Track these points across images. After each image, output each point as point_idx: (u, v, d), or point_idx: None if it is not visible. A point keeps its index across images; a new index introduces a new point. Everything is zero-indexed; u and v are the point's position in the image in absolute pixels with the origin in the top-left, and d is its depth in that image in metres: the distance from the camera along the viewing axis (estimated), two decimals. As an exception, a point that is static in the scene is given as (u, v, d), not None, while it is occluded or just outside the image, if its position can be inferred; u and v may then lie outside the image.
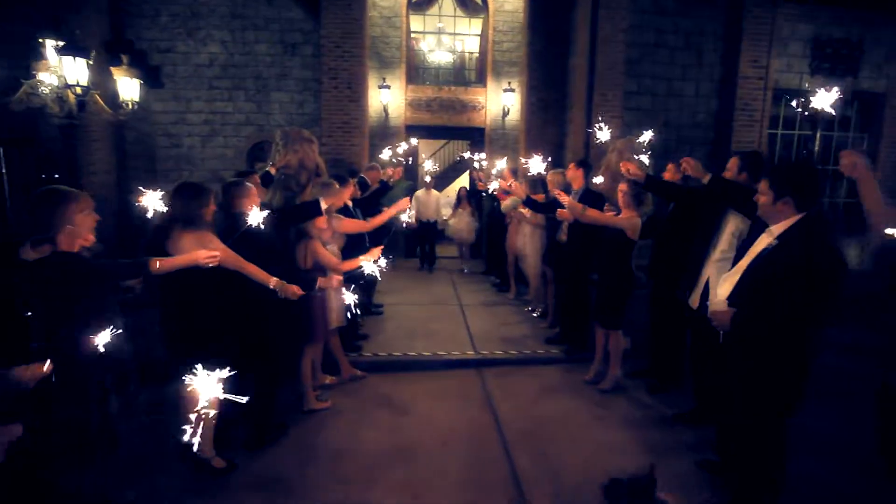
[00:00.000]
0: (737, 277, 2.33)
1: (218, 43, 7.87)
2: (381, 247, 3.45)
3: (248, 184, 2.83)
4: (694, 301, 3.07)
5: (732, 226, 2.86)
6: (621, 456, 2.94)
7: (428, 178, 8.20)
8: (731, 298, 2.28)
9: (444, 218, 8.39)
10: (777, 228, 2.24)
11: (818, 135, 6.43)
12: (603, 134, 3.23)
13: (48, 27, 4.26)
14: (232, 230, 2.62)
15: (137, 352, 2.72)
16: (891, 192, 6.25)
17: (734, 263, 2.54)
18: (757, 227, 2.52)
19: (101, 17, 6.59)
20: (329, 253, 3.32)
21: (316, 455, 2.96)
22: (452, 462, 2.91)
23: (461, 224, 8.01)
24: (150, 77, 7.76)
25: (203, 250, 2.20)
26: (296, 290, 2.66)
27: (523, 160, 4.99)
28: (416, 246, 8.77)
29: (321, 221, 3.23)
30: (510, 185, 4.72)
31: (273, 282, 2.58)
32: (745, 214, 2.82)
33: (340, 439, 3.13)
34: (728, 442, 2.61)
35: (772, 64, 5.83)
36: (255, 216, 2.38)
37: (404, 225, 4.10)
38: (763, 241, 2.30)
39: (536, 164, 4.11)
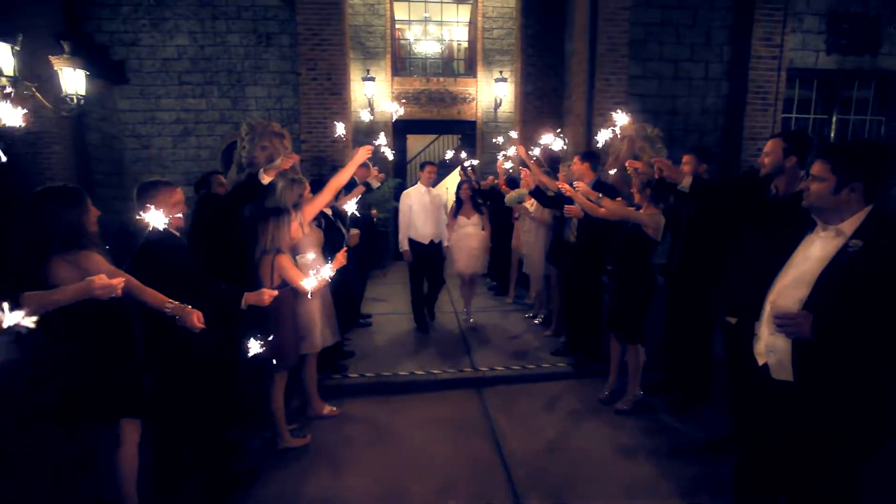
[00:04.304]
0: (803, 291, 1.85)
1: (186, 34, 7.28)
2: (345, 249, 2.96)
3: (165, 185, 2.30)
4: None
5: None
6: (652, 500, 2.49)
7: (426, 170, 4.77)
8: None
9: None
10: (848, 226, 1.78)
11: (834, 118, 6.02)
12: (620, 118, 2.76)
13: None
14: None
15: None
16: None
17: (764, 268, 2.09)
18: (777, 230, 2.12)
19: (53, 8, 5.97)
20: (295, 268, 2.78)
21: (288, 511, 2.47)
22: (452, 515, 2.43)
23: (469, 241, 4.81)
24: (114, 73, 7.18)
25: (98, 277, 1.62)
26: (198, 317, 2.02)
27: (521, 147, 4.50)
28: (412, 283, 4.91)
29: (295, 231, 2.73)
30: (528, 171, 4.32)
31: (170, 305, 1.97)
32: (753, 220, 2.39)
33: (320, 487, 2.63)
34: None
35: (786, 41, 5.37)
36: (157, 219, 1.81)
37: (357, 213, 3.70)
38: (829, 242, 1.83)
39: (557, 143, 3.94)
